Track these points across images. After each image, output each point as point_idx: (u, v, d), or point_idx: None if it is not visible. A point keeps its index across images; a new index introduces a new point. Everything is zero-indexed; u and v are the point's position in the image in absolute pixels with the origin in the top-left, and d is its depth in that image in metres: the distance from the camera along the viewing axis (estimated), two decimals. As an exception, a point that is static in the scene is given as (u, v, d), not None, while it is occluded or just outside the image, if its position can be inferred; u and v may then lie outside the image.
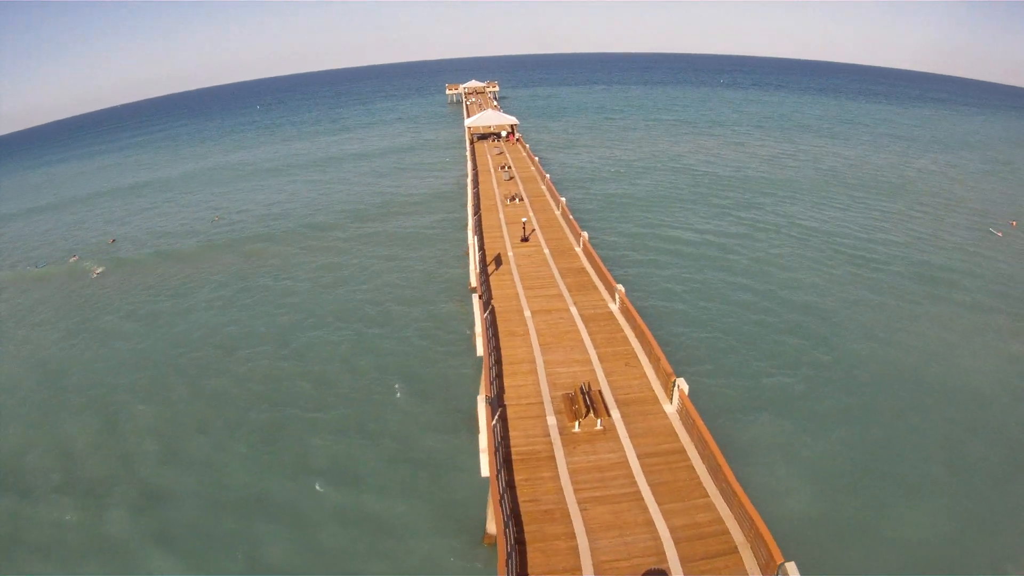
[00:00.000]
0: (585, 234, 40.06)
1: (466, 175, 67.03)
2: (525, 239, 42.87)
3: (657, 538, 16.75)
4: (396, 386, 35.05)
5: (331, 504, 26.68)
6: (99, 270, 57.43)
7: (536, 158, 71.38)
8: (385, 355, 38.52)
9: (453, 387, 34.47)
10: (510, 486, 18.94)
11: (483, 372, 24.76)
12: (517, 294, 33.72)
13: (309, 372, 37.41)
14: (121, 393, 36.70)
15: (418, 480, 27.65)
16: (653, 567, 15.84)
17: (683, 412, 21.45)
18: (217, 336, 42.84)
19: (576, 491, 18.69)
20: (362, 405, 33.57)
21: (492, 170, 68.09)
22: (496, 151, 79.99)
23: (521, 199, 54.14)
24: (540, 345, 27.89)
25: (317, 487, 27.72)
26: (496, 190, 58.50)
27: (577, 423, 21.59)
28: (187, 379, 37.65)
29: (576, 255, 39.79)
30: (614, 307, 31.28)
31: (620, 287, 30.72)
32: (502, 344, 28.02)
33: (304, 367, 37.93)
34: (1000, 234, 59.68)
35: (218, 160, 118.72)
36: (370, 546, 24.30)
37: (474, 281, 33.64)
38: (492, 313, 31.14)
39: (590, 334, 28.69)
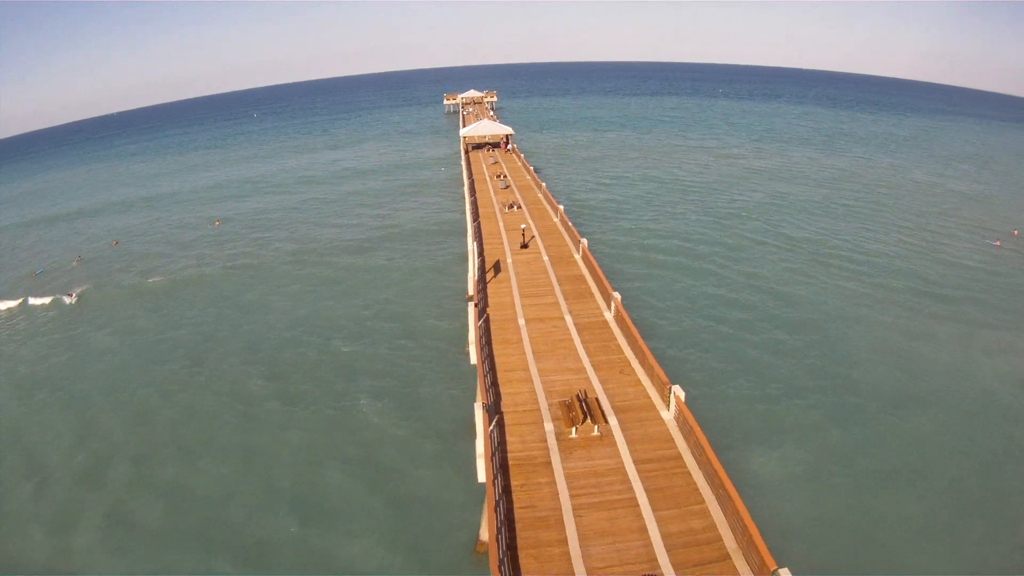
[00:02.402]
0: (584, 241, 40.21)
1: (462, 185, 67.06)
2: (524, 246, 43.02)
3: (649, 545, 16.80)
4: (387, 393, 35.11)
5: (324, 510, 26.70)
6: (76, 292, 54.26)
7: (531, 167, 71.73)
8: (379, 364, 38.56)
9: (448, 394, 34.51)
10: (506, 492, 18.97)
11: (479, 379, 24.82)
12: (513, 302, 33.82)
13: (303, 379, 37.51)
14: (53, 439, 34.27)
15: (412, 488, 27.66)
16: (646, 573, 15.89)
17: (680, 419, 21.53)
18: (198, 356, 41.51)
19: (572, 497, 18.73)
20: (350, 414, 33.60)
21: (488, 179, 68.39)
22: (491, 160, 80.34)
23: (519, 207, 54.36)
24: (533, 353, 27.98)
25: (312, 493, 27.76)
26: (493, 198, 58.75)
27: (574, 429, 21.66)
28: (163, 406, 36.38)
29: (575, 262, 39.93)
30: (609, 316, 31.38)
31: (616, 295, 30.82)
32: (496, 352, 28.09)
33: (295, 376, 37.93)
34: (998, 243, 60.06)
35: (213, 174, 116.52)
36: (362, 553, 24.30)
37: (471, 289, 33.72)
38: (487, 321, 31.23)
39: (583, 343, 28.78)
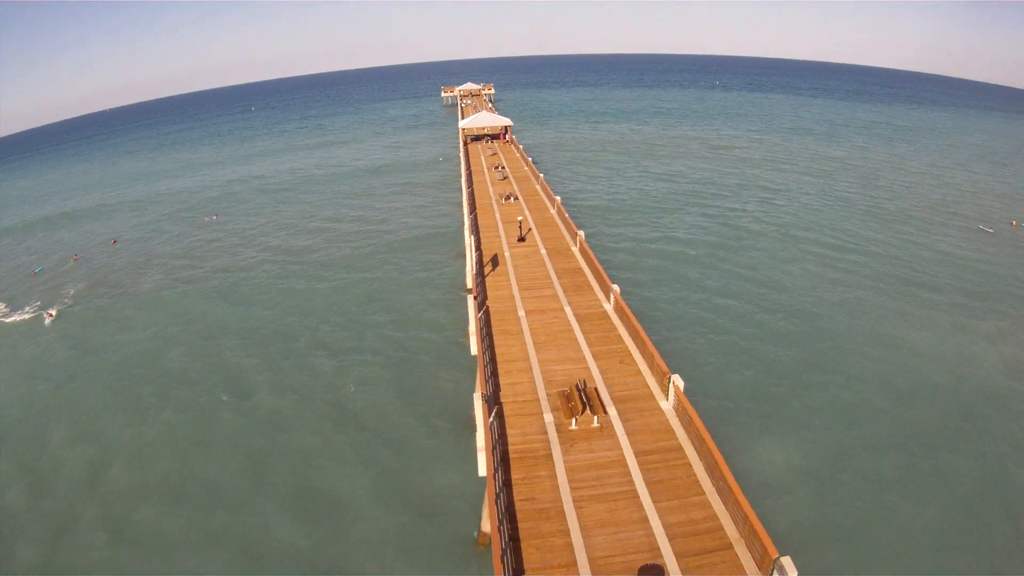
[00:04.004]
0: (581, 233, 40.09)
1: (460, 177, 66.42)
2: (522, 239, 42.87)
3: (651, 534, 16.80)
4: (384, 391, 35.00)
5: (326, 507, 26.70)
6: (52, 313, 50.35)
7: (529, 158, 71.47)
8: (377, 364, 38.38)
9: (444, 390, 34.44)
10: (506, 484, 18.94)
11: (478, 371, 24.75)
12: (512, 295, 33.74)
13: (296, 380, 37.40)
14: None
15: (412, 482, 27.65)
16: (648, 563, 15.89)
17: (679, 408, 21.50)
18: (184, 371, 39.69)
19: (572, 489, 18.71)
20: (346, 413, 33.49)
21: (486, 170, 68.12)
22: (490, 152, 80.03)
23: (516, 198, 54.19)
24: (534, 344, 27.93)
25: (309, 490, 27.77)
26: (491, 190, 58.55)
27: (574, 420, 21.61)
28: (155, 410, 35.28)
29: (573, 255, 39.84)
30: (608, 307, 31.33)
31: (615, 287, 30.75)
32: (496, 343, 28.04)
33: (287, 378, 37.53)
34: (991, 231, 60.35)
35: (210, 172, 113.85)
36: (363, 549, 24.31)
37: (470, 282, 33.62)
38: (486, 313, 31.16)
39: (584, 333, 28.74)
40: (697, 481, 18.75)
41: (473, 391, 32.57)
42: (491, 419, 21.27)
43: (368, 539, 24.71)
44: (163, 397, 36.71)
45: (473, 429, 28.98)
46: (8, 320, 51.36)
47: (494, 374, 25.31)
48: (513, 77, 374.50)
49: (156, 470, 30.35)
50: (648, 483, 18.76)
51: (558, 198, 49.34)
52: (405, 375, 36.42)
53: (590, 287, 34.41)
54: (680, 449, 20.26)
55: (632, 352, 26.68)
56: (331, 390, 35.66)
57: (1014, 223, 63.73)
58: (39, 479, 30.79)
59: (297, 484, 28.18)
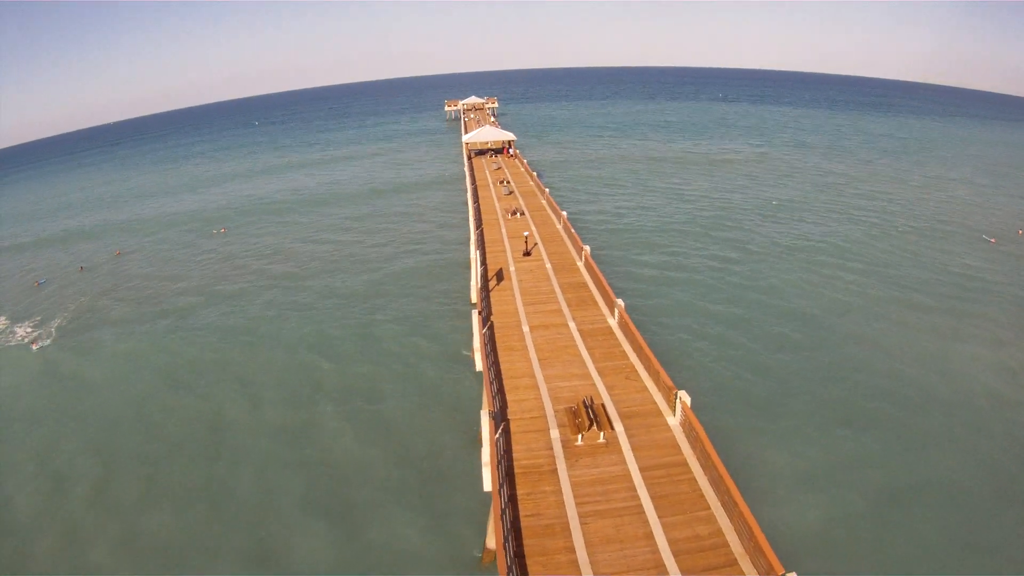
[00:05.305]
0: (587, 248, 40.30)
1: (464, 192, 66.44)
2: (527, 253, 43.15)
3: (657, 551, 16.85)
4: (386, 406, 35.05)
5: (329, 518, 26.76)
6: (41, 343, 48.86)
7: (535, 173, 71.89)
8: (378, 379, 38.58)
9: (450, 404, 34.54)
10: (512, 500, 19.02)
11: (484, 387, 24.89)
12: (516, 309, 33.92)
13: (300, 403, 37.48)
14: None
15: (415, 497, 27.71)
16: (654, 579, 15.95)
17: (686, 424, 21.57)
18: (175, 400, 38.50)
19: (578, 505, 18.78)
20: (349, 428, 33.53)
21: (491, 185, 68.58)
22: (494, 166, 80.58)
23: (522, 213, 54.53)
24: (539, 360, 28.06)
25: (316, 501, 27.84)
26: (496, 205, 58.92)
27: (580, 436, 21.71)
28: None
29: (578, 269, 40.04)
30: (613, 322, 31.45)
31: (620, 302, 30.89)
32: (501, 359, 28.18)
33: (288, 403, 37.00)
34: (993, 241, 60.54)
35: (215, 189, 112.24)
36: (367, 564, 24.35)
37: (474, 296, 33.82)
38: (491, 329, 31.32)
39: (588, 349, 28.85)
40: (703, 496, 18.81)
41: (471, 410, 32.80)
42: (497, 435, 21.37)
43: (371, 554, 24.74)
44: (136, 434, 35.17)
45: (475, 444, 29.12)
46: None
47: (500, 390, 25.45)
48: (516, 90, 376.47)
49: (115, 512, 28.95)
50: (653, 498, 18.82)
51: (564, 213, 49.62)
52: (403, 393, 36.42)
53: (594, 302, 34.56)
54: (685, 464, 20.34)
55: (637, 368, 26.80)
56: (331, 407, 35.62)
57: (1020, 232, 64.00)
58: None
59: (295, 504, 28.15)
